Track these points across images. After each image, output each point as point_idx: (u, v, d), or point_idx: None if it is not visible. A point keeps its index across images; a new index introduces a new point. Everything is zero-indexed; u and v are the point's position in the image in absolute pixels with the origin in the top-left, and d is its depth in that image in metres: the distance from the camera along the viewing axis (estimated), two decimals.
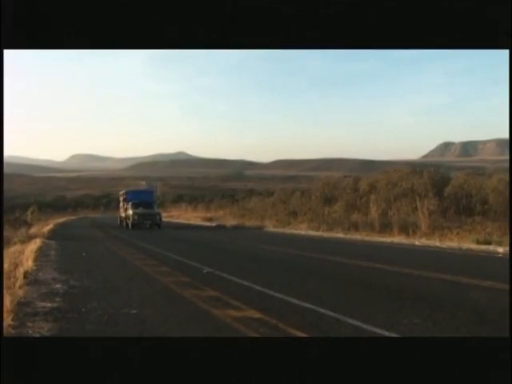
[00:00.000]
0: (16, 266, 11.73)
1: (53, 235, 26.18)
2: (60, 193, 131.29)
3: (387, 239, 22.46)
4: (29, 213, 40.76)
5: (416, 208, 27.33)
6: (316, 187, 41.71)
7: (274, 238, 25.76)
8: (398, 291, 9.00)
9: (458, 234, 21.50)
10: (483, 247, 17.81)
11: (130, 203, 35.61)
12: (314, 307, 7.46)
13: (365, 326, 6.29)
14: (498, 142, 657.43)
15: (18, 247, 17.44)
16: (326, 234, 26.92)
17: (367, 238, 23.42)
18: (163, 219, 36.79)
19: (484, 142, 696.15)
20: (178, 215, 57.74)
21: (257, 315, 6.93)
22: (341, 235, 25.66)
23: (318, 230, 28.98)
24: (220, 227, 37.10)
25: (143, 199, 36.71)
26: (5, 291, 7.40)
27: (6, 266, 11.00)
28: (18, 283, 9.40)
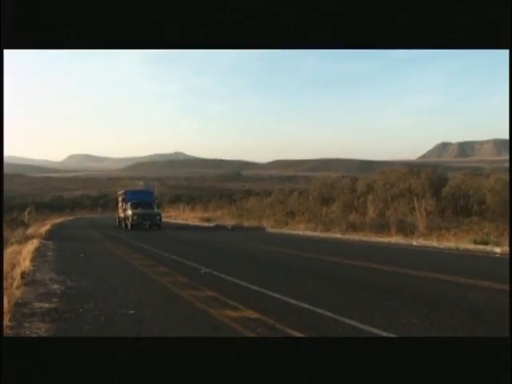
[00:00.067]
0: (13, 266, 11.71)
1: (50, 236, 26.13)
2: (57, 193, 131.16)
3: (385, 239, 22.48)
4: (26, 213, 40.71)
5: (413, 208, 27.37)
6: (313, 187, 41.77)
7: (272, 238, 25.77)
8: (396, 291, 9.01)
9: (455, 234, 21.54)
10: (480, 247, 17.85)
11: (129, 203, 35.10)
12: (311, 307, 7.46)
13: (362, 326, 6.29)
14: (496, 142, 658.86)
15: (15, 248, 17.40)
16: (323, 235, 26.93)
17: (365, 239, 23.44)
18: None
19: (481, 143, 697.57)
20: (175, 215, 57.72)
21: (254, 315, 6.93)
22: (338, 235, 25.68)
23: (315, 230, 28.99)
24: (218, 227, 37.09)
25: (142, 199, 36.13)
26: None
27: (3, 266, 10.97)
28: (15, 284, 9.38)
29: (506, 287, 9.02)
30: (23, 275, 10.59)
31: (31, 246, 18.14)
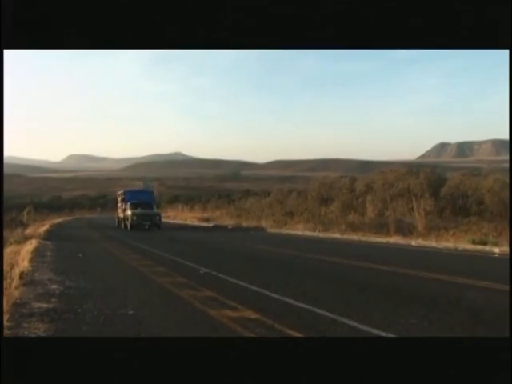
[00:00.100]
0: (12, 266, 11.70)
1: (49, 236, 26.11)
2: (56, 193, 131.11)
3: (383, 239, 22.50)
4: (25, 213, 40.65)
5: (412, 208, 27.39)
6: (312, 187, 41.78)
7: (271, 238, 25.77)
8: (395, 291, 9.02)
9: (454, 234, 21.57)
10: (479, 247, 17.87)
11: (129, 203, 34.74)
12: (310, 307, 7.46)
13: (361, 327, 6.30)
14: (494, 142, 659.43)
15: (13, 248, 17.38)
16: (322, 235, 26.95)
17: (364, 239, 23.46)
18: None
19: (480, 143, 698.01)
20: (174, 216, 57.72)
21: (253, 315, 6.93)
22: (337, 235, 25.69)
23: (314, 230, 29.00)
24: (217, 228, 37.08)
25: (142, 199, 35.78)
26: None
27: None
28: (14, 284, 9.37)
29: (505, 287, 9.03)
30: (22, 275, 10.58)
31: (30, 246, 18.13)
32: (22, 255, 14.55)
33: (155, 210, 35.78)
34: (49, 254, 16.52)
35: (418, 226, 23.93)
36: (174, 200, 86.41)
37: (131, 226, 33.23)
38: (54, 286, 9.62)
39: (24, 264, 12.45)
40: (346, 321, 6.61)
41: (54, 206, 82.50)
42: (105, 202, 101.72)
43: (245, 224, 37.87)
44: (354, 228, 26.89)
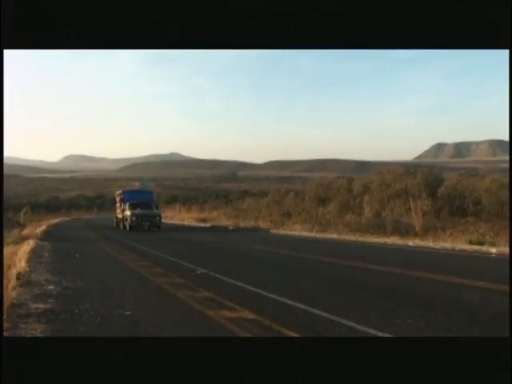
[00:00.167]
0: (9, 267, 11.67)
1: (46, 236, 26.07)
2: (53, 194, 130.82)
3: (381, 240, 22.52)
4: (22, 214, 40.59)
5: (409, 209, 27.41)
6: (310, 188, 41.84)
7: (268, 238, 25.77)
8: (392, 291, 9.03)
9: (451, 234, 21.61)
10: (476, 248, 17.90)
11: (128, 204, 34.12)
12: (307, 308, 7.46)
13: (358, 327, 6.30)
14: (491, 142, 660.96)
15: (10, 248, 17.34)
16: (319, 235, 26.95)
17: (361, 239, 23.48)
18: None
19: (477, 143, 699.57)
20: (171, 216, 57.63)
21: (251, 316, 6.93)
22: (334, 236, 25.70)
23: (311, 230, 29.01)
24: (216, 228, 37.04)
25: (141, 199, 35.13)
26: None
27: None
28: (11, 284, 9.36)
29: (501, 287, 9.07)
30: (19, 276, 10.56)
31: (27, 246, 18.11)
32: (19, 256, 14.53)
33: (155, 211, 35.09)
34: (46, 254, 16.49)
35: (415, 227, 23.95)
36: (171, 200, 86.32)
37: (130, 226, 32.66)
38: (50, 287, 9.60)
39: (21, 264, 12.43)
40: (344, 321, 6.61)
41: (51, 207, 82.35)
42: (102, 202, 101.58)
43: (242, 224, 37.86)
44: (351, 228, 26.91)
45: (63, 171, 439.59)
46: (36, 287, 9.56)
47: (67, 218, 64.09)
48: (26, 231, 27.70)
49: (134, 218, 32.71)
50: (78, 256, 15.79)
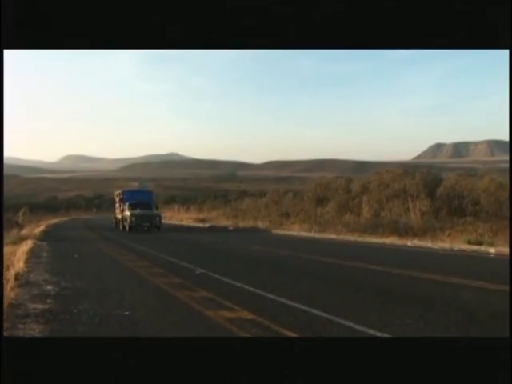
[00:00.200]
0: (7, 267, 11.65)
1: (44, 236, 26.05)
2: (52, 194, 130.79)
3: (379, 240, 22.53)
4: (20, 214, 40.57)
5: (408, 209, 27.45)
6: (308, 188, 41.85)
7: (267, 238, 25.77)
8: (390, 292, 9.03)
9: (449, 234, 21.63)
10: (475, 248, 17.92)
11: (127, 204, 33.66)
12: (306, 308, 7.46)
13: (357, 327, 6.31)
14: (490, 143, 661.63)
15: (9, 249, 17.32)
16: (318, 235, 26.96)
17: (359, 239, 23.49)
18: None
19: (476, 143, 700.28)
20: (170, 216, 57.61)
21: (249, 316, 6.93)
22: (333, 236, 25.71)
23: (310, 230, 29.02)
24: (216, 229, 37.02)
25: (141, 199, 34.58)
26: None
27: None
28: (9, 285, 9.35)
29: (500, 287, 9.08)
30: (17, 276, 10.55)
31: (25, 246, 18.09)
32: (17, 256, 14.51)
33: (155, 211, 34.60)
34: (44, 254, 16.48)
35: (414, 227, 23.97)
36: (170, 201, 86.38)
37: (130, 227, 32.12)
38: (49, 287, 9.60)
39: (19, 265, 12.42)
40: (342, 321, 6.62)
41: (49, 207, 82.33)
42: (101, 202, 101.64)
43: (241, 225, 37.86)
44: (350, 228, 26.92)
45: (62, 171, 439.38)
46: (34, 287, 9.56)
47: (66, 218, 64.07)
48: (24, 231, 27.68)
49: (133, 219, 32.21)
50: (76, 256, 15.78)
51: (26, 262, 13.64)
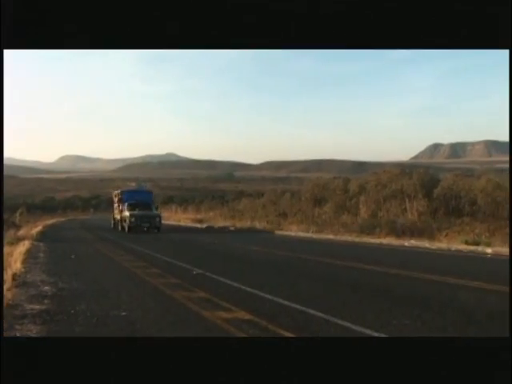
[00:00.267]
0: (4, 268, 11.63)
1: (42, 237, 26.01)
2: (49, 194, 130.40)
3: (377, 240, 22.56)
4: (17, 214, 40.43)
5: (405, 209, 27.49)
6: (306, 188, 41.90)
7: (264, 239, 25.77)
8: (387, 292, 9.04)
9: (447, 235, 21.68)
10: (472, 248, 17.96)
11: (126, 204, 32.91)
12: (304, 308, 7.46)
13: (354, 327, 6.31)
14: (487, 143, 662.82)
15: (6, 249, 17.26)
16: (315, 236, 26.97)
17: (357, 239, 23.52)
18: None
19: (473, 144, 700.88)
20: (167, 217, 57.53)
21: (247, 317, 6.93)
22: (331, 236, 25.73)
23: (307, 231, 29.04)
24: (210, 229, 37.00)
25: (140, 200, 33.90)
26: None
27: None
28: (6, 285, 9.32)
29: (497, 287, 9.11)
30: (14, 277, 10.53)
31: (22, 247, 18.06)
32: (14, 257, 14.48)
33: (154, 211, 33.75)
34: (41, 255, 16.45)
35: (411, 227, 24.01)
36: (167, 201, 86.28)
37: (129, 228, 31.35)
38: (46, 288, 9.58)
39: (16, 265, 12.40)
40: (340, 321, 6.62)
41: (46, 207, 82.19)
42: (98, 202, 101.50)
43: (238, 225, 37.86)
44: (347, 229, 26.95)
45: (59, 172, 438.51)
46: (31, 288, 9.54)
47: (63, 219, 63.97)
48: (21, 232, 27.62)
49: (132, 219, 31.47)
50: (73, 257, 15.76)
51: (23, 262, 13.62)
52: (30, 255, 15.96)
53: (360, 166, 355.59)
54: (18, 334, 6.07)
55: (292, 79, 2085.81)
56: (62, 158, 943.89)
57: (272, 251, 18.10)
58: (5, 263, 12.72)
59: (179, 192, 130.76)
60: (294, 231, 30.05)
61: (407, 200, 28.11)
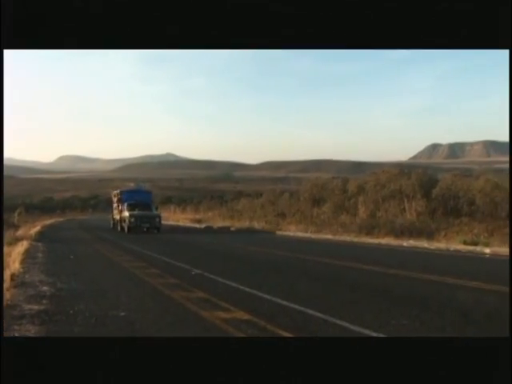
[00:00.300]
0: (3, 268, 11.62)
1: (40, 237, 25.97)
2: (48, 194, 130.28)
3: (375, 240, 22.56)
4: (16, 214, 40.38)
5: (404, 209, 27.50)
6: (305, 188, 41.88)
7: (263, 239, 25.78)
8: (386, 292, 9.05)
9: (445, 235, 21.70)
10: (470, 248, 17.98)
11: (126, 204, 32.54)
12: (302, 308, 7.47)
13: (353, 327, 6.31)
14: (485, 143, 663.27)
15: (4, 249, 17.26)
16: (314, 236, 26.97)
17: (355, 240, 23.52)
18: None
19: (471, 144, 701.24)
20: (166, 217, 57.45)
21: (245, 317, 6.93)
22: (329, 236, 25.73)
23: (306, 231, 29.04)
24: (209, 229, 36.99)
25: (140, 200, 33.51)
26: None
27: None
28: (5, 286, 9.30)
29: (495, 287, 9.13)
30: (13, 277, 10.51)
31: (21, 247, 18.03)
32: (12, 257, 14.46)
33: (154, 212, 33.23)
34: (40, 255, 16.43)
35: (410, 227, 24.02)
36: (166, 201, 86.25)
37: (129, 228, 30.94)
38: (45, 288, 9.57)
39: (15, 265, 12.38)
40: (338, 322, 6.62)
41: (45, 207, 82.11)
42: (96, 203, 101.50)
43: (237, 225, 37.85)
44: (346, 229, 26.96)
45: (58, 172, 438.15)
46: (30, 288, 9.53)
47: (62, 219, 63.88)
48: (20, 232, 27.56)
49: (132, 220, 31.04)
50: (72, 257, 15.74)
51: (22, 262, 13.60)
52: (28, 255, 15.94)
53: (359, 166, 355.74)
54: (16, 335, 6.06)
55: (291, 79, 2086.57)
56: (61, 158, 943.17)
57: (270, 251, 18.10)
58: (4, 263, 12.71)
59: (178, 192, 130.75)
60: (292, 231, 30.06)
61: (406, 200, 28.13)
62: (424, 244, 19.95)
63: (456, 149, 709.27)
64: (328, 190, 37.74)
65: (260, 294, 8.72)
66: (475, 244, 18.59)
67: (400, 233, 23.39)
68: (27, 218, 45.46)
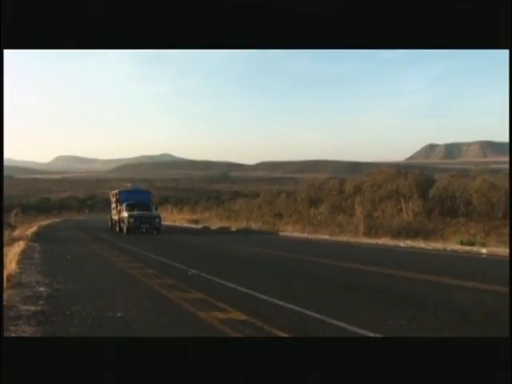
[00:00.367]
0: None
1: (37, 238, 25.91)
2: (44, 195, 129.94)
3: (372, 241, 22.58)
4: (12, 215, 40.30)
5: (401, 210, 27.54)
6: (301, 189, 41.91)
7: (260, 239, 25.76)
8: (383, 292, 9.05)
9: (442, 235, 21.72)
10: (467, 248, 18.01)
11: (125, 204, 31.85)
12: (299, 309, 7.47)
13: (350, 328, 6.31)
14: (482, 144, 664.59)
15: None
16: (311, 236, 26.98)
17: (352, 240, 23.53)
18: None
19: (468, 144, 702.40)
20: (163, 217, 57.27)
21: (242, 317, 6.93)
22: (326, 237, 25.74)
23: (303, 231, 29.05)
24: (206, 229, 36.96)
25: (139, 200, 32.80)
26: None
27: None
28: None
29: (492, 287, 9.15)
30: (9, 278, 10.49)
31: (17, 248, 17.99)
32: (9, 257, 14.42)
33: (154, 212, 32.42)
34: (36, 256, 16.40)
35: (406, 227, 24.05)
36: (163, 201, 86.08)
37: (128, 229, 30.16)
38: (41, 289, 9.55)
39: (11, 266, 12.36)
40: (335, 322, 6.62)
41: (42, 208, 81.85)
42: (93, 203, 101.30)
43: (234, 225, 37.83)
44: (342, 229, 26.97)
45: (54, 172, 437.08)
46: (26, 289, 9.51)
47: (58, 220, 63.71)
48: (16, 232, 27.51)
49: (131, 220, 30.19)
50: (69, 258, 15.72)
51: (18, 263, 13.57)
52: (25, 256, 15.91)
53: (355, 167, 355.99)
54: (12, 335, 6.05)
55: (288, 79, 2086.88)
56: (58, 159, 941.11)
57: (267, 251, 18.09)
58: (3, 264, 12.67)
59: (174, 192, 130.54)
60: (289, 231, 30.05)
61: (403, 200, 28.16)
62: (421, 244, 19.97)
63: (453, 149, 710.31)
64: (325, 191, 37.77)
65: (257, 295, 8.72)
66: (472, 244, 18.62)
67: (397, 233, 23.40)
68: (24, 219, 45.34)
